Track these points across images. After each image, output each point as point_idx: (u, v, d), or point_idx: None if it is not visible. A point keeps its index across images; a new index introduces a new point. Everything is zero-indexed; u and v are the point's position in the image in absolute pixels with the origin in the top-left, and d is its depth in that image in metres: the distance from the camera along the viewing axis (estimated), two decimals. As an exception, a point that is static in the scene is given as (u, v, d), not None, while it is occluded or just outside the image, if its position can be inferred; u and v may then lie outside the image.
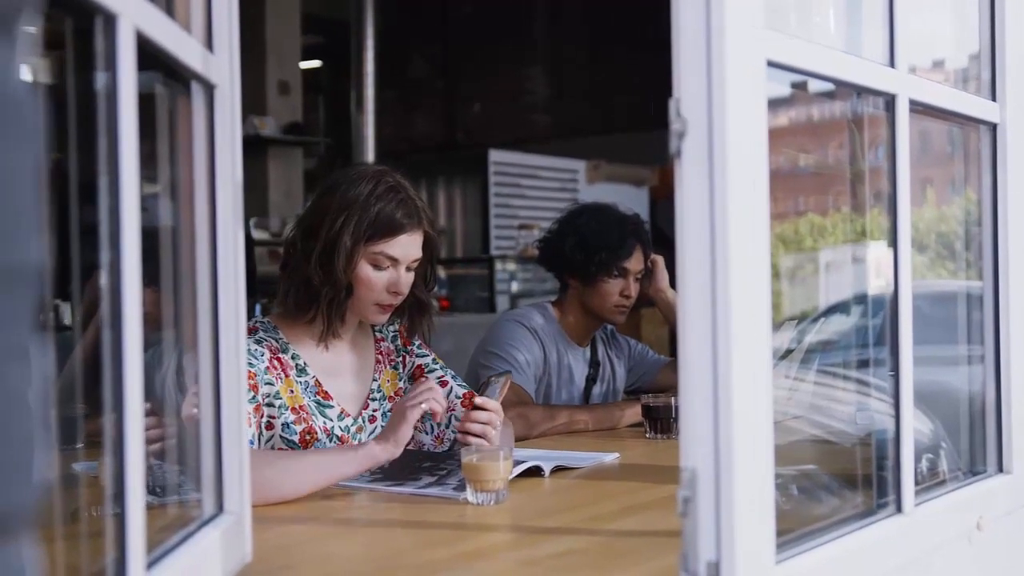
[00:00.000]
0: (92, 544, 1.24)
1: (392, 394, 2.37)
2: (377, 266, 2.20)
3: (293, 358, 2.23)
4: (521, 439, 2.70)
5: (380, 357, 2.39)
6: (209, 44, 1.37)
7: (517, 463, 2.04)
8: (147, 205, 1.13)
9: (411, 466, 2.11)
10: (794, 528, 1.35)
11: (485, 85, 9.92)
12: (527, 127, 9.60)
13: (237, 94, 1.42)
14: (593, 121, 9.39)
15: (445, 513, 1.83)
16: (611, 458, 2.36)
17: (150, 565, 1.10)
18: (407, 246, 2.22)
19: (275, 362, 2.18)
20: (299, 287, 2.21)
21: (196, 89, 1.35)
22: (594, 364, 3.18)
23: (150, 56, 1.13)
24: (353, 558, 1.62)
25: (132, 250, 1.04)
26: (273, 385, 2.14)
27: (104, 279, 1.03)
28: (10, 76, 0.58)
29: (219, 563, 1.32)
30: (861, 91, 1.57)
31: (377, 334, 2.41)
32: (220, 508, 1.39)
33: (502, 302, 7.51)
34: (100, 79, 1.04)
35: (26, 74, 0.60)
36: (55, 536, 1.21)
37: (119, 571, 1.02)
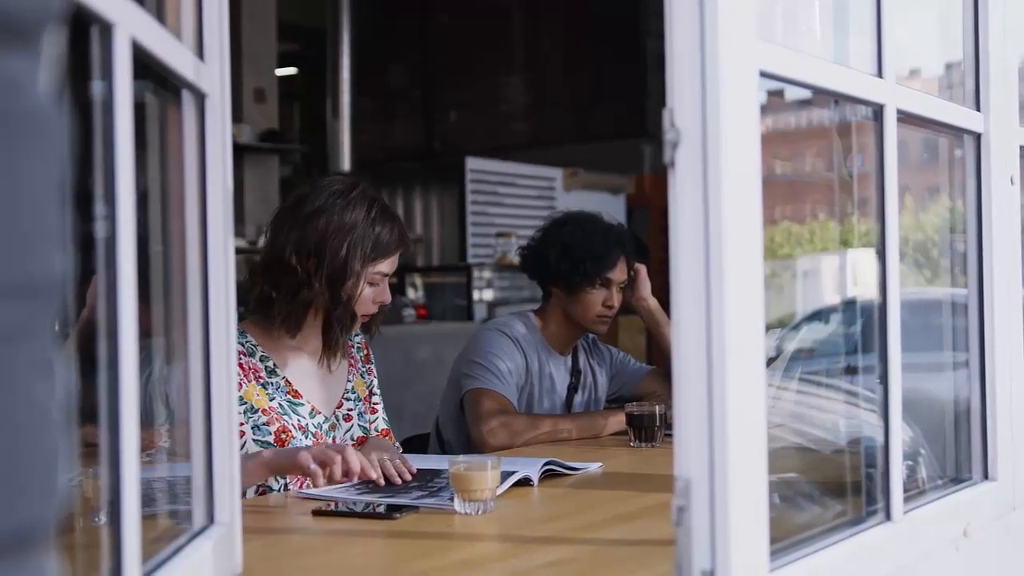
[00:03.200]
0: (84, 555, 1.24)
1: (363, 397, 2.46)
2: (371, 283, 2.30)
3: (262, 360, 2.28)
4: (505, 448, 2.71)
5: (352, 361, 2.46)
6: (200, 53, 1.36)
7: (506, 474, 2.04)
8: (136, 214, 1.12)
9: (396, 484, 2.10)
10: (785, 537, 1.35)
11: (462, 93, 9.92)
12: (504, 135, 9.61)
13: (227, 103, 1.42)
14: (570, 129, 9.41)
15: (433, 523, 1.82)
16: (595, 467, 2.36)
17: (144, 577, 1.10)
18: (396, 261, 2.34)
19: (237, 367, 2.20)
20: (302, 308, 2.26)
21: (187, 98, 1.35)
22: (575, 373, 3.18)
23: (142, 65, 1.13)
24: (343, 569, 1.61)
25: (127, 258, 1.03)
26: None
27: (99, 288, 1.03)
28: (35, 89, 0.58)
29: (210, 574, 1.31)
30: (850, 101, 1.58)
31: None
32: (211, 519, 1.38)
33: (480, 310, 7.51)
34: (95, 88, 1.03)
35: (50, 87, 0.60)
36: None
37: (115, 584, 1.01)
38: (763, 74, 1.25)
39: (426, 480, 2.14)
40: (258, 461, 2.01)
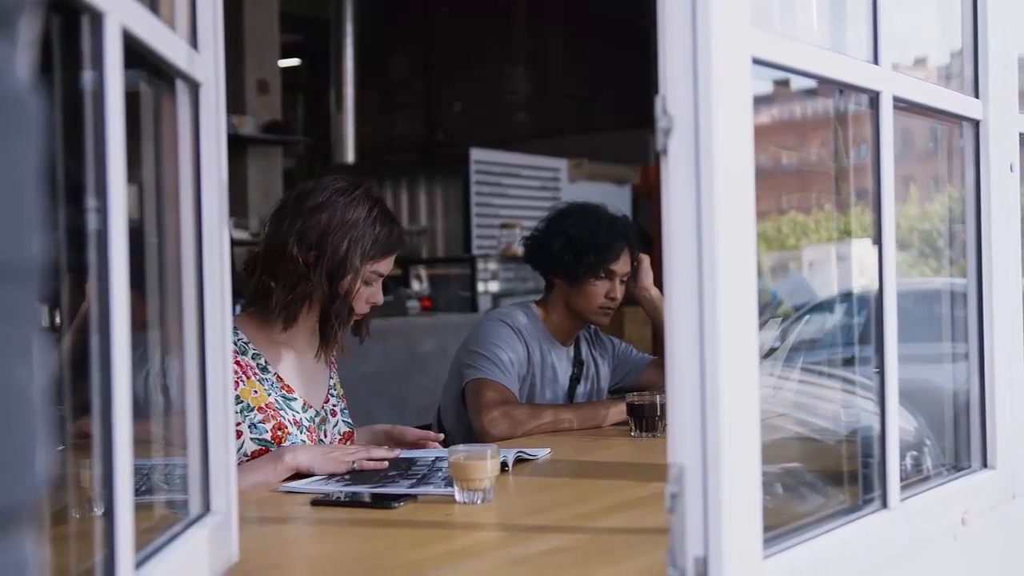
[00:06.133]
0: (78, 545, 1.24)
1: (341, 395, 2.50)
2: (367, 282, 2.33)
3: (253, 358, 2.31)
4: (506, 438, 2.71)
5: (333, 360, 2.50)
6: (194, 42, 1.36)
7: None
8: (129, 205, 1.12)
9: (378, 473, 2.11)
10: (782, 524, 1.35)
11: (465, 84, 9.92)
12: (508, 126, 9.60)
13: (222, 92, 1.42)
14: (574, 120, 9.41)
15: (432, 512, 1.83)
16: (545, 453, 2.39)
17: (138, 564, 1.10)
18: (392, 263, 2.38)
19: (233, 365, 2.21)
20: (300, 300, 2.29)
21: (181, 87, 1.35)
22: (578, 363, 3.18)
23: (134, 54, 1.13)
24: (340, 557, 1.61)
25: (120, 250, 1.03)
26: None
27: (91, 280, 1.03)
28: (12, 75, 0.58)
29: (206, 562, 1.32)
30: (845, 88, 1.57)
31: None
32: (207, 508, 1.38)
33: (484, 302, 7.51)
34: (86, 77, 1.03)
35: (26, 72, 0.60)
36: (41, 537, 1.21)
37: (108, 571, 1.01)
38: (756, 61, 1.25)
39: (404, 469, 2.14)
40: (283, 468, 2.10)
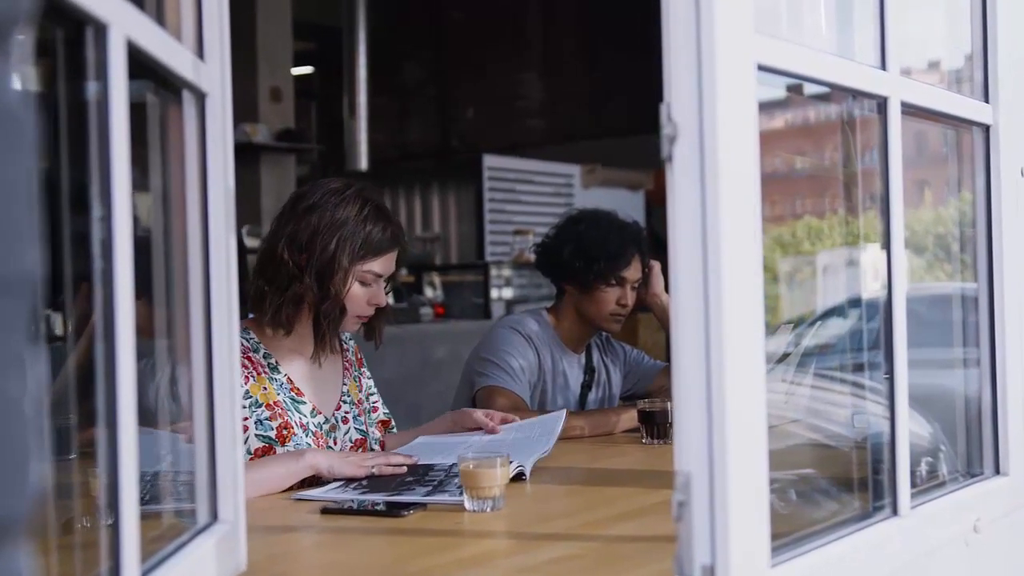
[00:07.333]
0: (85, 554, 1.24)
1: (356, 401, 2.48)
2: (363, 283, 2.32)
3: (265, 357, 2.32)
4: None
5: (347, 365, 2.49)
6: (200, 52, 1.37)
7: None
8: (137, 214, 1.13)
9: (395, 480, 2.11)
10: (790, 532, 1.35)
11: (478, 90, 9.92)
12: (521, 132, 9.60)
13: (228, 102, 1.42)
14: (587, 125, 9.39)
15: (442, 521, 1.83)
16: (559, 415, 2.44)
17: (145, 574, 1.10)
18: (390, 262, 2.35)
19: (245, 361, 2.24)
20: (291, 303, 2.28)
21: (187, 97, 1.35)
22: (589, 370, 3.17)
23: (140, 64, 1.13)
24: (349, 566, 1.61)
25: (124, 259, 1.03)
26: (242, 385, 2.19)
27: (96, 289, 1.03)
28: (5, 86, 0.58)
29: (214, 572, 1.32)
30: (853, 94, 1.57)
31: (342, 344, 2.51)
32: (214, 517, 1.38)
33: (497, 308, 7.50)
34: (91, 88, 1.03)
35: (20, 84, 0.61)
36: (49, 546, 1.21)
37: (113, 581, 1.01)
38: (761, 68, 1.25)
39: (422, 475, 2.14)
40: (303, 465, 2.10)
